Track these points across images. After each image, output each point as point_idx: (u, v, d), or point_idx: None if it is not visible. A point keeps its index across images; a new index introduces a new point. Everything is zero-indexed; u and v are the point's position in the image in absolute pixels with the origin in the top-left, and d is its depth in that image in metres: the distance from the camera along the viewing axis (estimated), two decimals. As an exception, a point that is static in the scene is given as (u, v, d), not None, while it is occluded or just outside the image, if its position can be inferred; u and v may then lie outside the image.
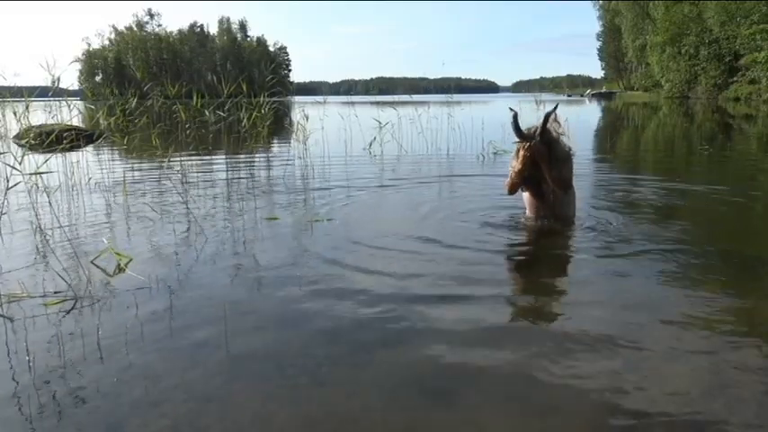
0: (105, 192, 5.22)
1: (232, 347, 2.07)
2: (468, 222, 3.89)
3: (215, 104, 7.34)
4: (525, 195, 3.88)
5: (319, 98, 10.54)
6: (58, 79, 5.51)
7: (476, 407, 1.68)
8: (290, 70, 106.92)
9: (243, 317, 2.35)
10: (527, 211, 3.94)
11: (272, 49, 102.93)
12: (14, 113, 6.49)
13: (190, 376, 1.87)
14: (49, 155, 4.77)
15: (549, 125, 3.62)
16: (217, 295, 2.59)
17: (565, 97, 51.55)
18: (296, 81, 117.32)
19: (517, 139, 3.66)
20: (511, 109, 3.65)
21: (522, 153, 3.63)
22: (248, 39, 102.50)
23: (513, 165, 3.74)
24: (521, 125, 3.63)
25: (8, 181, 3.19)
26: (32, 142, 8.14)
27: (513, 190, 3.84)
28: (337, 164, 7.14)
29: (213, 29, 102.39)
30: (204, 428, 1.59)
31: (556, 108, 3.76)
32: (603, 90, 59.79)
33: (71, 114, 6.80)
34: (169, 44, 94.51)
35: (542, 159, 3.57)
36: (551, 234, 3.65)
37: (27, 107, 5.92)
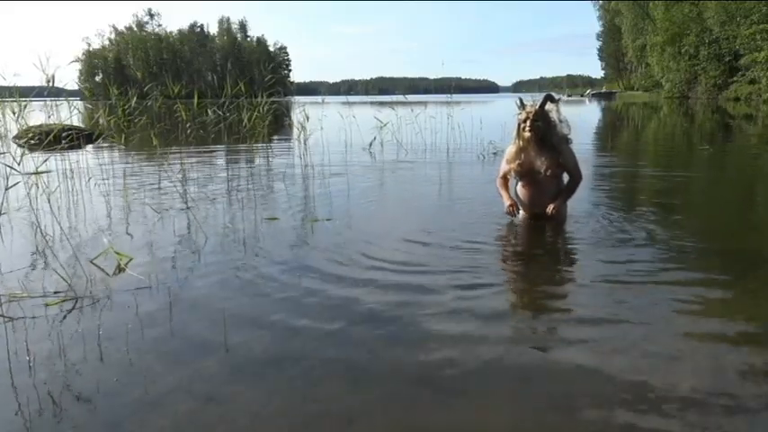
0: (105, 191, 5.22)
1: (232, 347, 2.07)
2: (467, 221, 3.89)
3: (215, 104, 7.34)
4: (519, 190, 3.88)
5: (318, 98, 10.57)
6: (53, 77, 5.50)
7: (477, 406, 1.68)
8: (290, 70, 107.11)
9: (243, 317, 2.35)
10: (521, 210, 3.94)
11: (272, 49, 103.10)
12: (14, 113, 6.49)
13: (190, 376, 1.87)
14: (48, 155, 4.77)
15: (547, 107, 3.72)
16: (217, 295, 2.59)
17: (565, 97, 51.71)
18: (296, 81, 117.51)
19: (519, 112, 3.78)
20: (538, 94, 3.93)
21: (522, 120, 3.72)
22: (248, 39, 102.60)
23: (511, 149, 3.83)
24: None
25: (7, 180, 3.19)
26: (32, 142, 8.14)
27: (506, 179, 3.90)
28: (337, 164, 7.14)
29: (213, 29, 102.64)
30: (204, 428, 1.59)
31: (559, 99, 3.88)
32: (603, 90, 59.77)
33: (70, 114, 6.79)
34: (169, 44, 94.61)
35: (548, 122, 3.68)
36: (550, 231, 3.65)
37: (23, 107, 5.92)
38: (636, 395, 1.70)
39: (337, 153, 8.16)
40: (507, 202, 3.82)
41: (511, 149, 3.82)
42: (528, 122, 3.67)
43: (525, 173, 3.74)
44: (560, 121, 3.77)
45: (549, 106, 3.74)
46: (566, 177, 3.84)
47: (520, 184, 3.85)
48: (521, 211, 3.93)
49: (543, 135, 3.67)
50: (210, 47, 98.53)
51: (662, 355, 1.96)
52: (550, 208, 3.67)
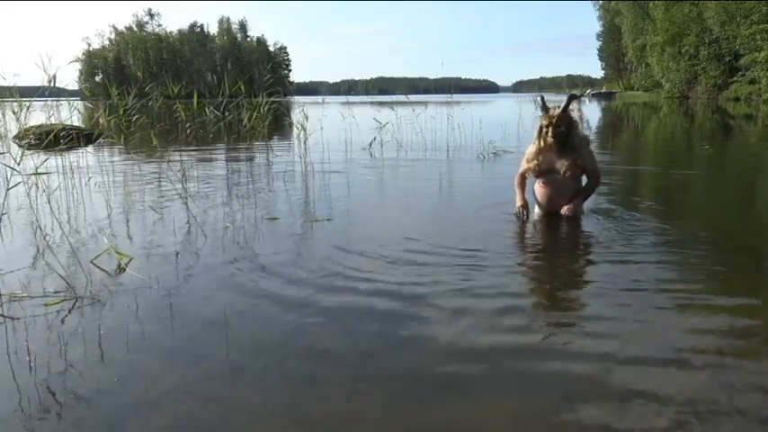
0: (105, 191, 5.22)
1: (232, 347, 2.07)
2: (469, 220, 3.89)
3: (215, 104, 7.34)
4: (537, 189, 3.89)
5: (319, 98, 10.61)
6: (54, 77, 5.50)
7: (477, 406, 1.67)
8: (290, 70, 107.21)
9: (243, 317, 2.35)
10: (536, 208, 3.95)
11: (272, 49, 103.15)
12: (14, 113, 6.50)
13: (190, 376, 1.87)
14: (48, 155, 4.77)
15: (570, 107, 3.74)
16: (217, 295, 2.59)
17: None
18: (296, 81, 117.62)
19: (541, 114, 3.80)
20: (539, 94, 3.94)
21: (545, 126, 3.73)
22: (248, 39, 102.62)
23: (531, 149, 3.84)
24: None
25: (8, 181, 3.19)
26: (32, 142, 8.14)
27: (524, 177, 3.91)
28: (337, 164, 7.14)
29: (213, 29, 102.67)
30: (204, 428, 1.59)
31: (580, 96, 3.93)
32: (603, 90, 59.67)
33: (70, 114, 6.79)
34: (169, 44, 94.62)
35: (570, 126, 3.71)
36: (558, 228, 3.65)
37: (23, 107, 5.92)
38: (637, 395, 1.70)
39: (337, 153, 8.16)
40: (519, 203, 3.84)
41: (531, 149, 3.84)
42: (551, 129, 3.67)
43: (543, 173, 3.77)
44: (581, 121, 3.80)
45: (570, 106, 3.76)
46: (584, 178, 3.86)
47: (538, 182, 3.87)
48: (536, 210, 3.95)
49: (565, 138, 3.69)
50: (210, 47, 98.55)
51: (664, 354, 1.96)
52: (565, 209, 3.68)
